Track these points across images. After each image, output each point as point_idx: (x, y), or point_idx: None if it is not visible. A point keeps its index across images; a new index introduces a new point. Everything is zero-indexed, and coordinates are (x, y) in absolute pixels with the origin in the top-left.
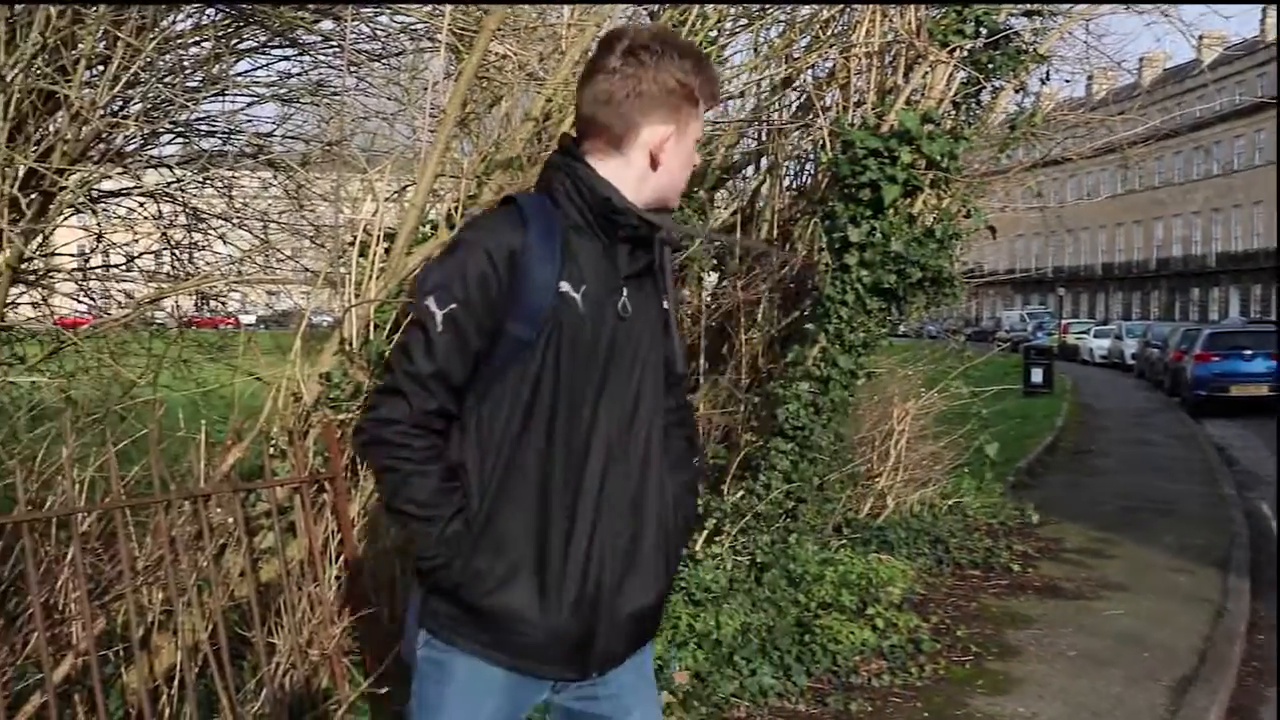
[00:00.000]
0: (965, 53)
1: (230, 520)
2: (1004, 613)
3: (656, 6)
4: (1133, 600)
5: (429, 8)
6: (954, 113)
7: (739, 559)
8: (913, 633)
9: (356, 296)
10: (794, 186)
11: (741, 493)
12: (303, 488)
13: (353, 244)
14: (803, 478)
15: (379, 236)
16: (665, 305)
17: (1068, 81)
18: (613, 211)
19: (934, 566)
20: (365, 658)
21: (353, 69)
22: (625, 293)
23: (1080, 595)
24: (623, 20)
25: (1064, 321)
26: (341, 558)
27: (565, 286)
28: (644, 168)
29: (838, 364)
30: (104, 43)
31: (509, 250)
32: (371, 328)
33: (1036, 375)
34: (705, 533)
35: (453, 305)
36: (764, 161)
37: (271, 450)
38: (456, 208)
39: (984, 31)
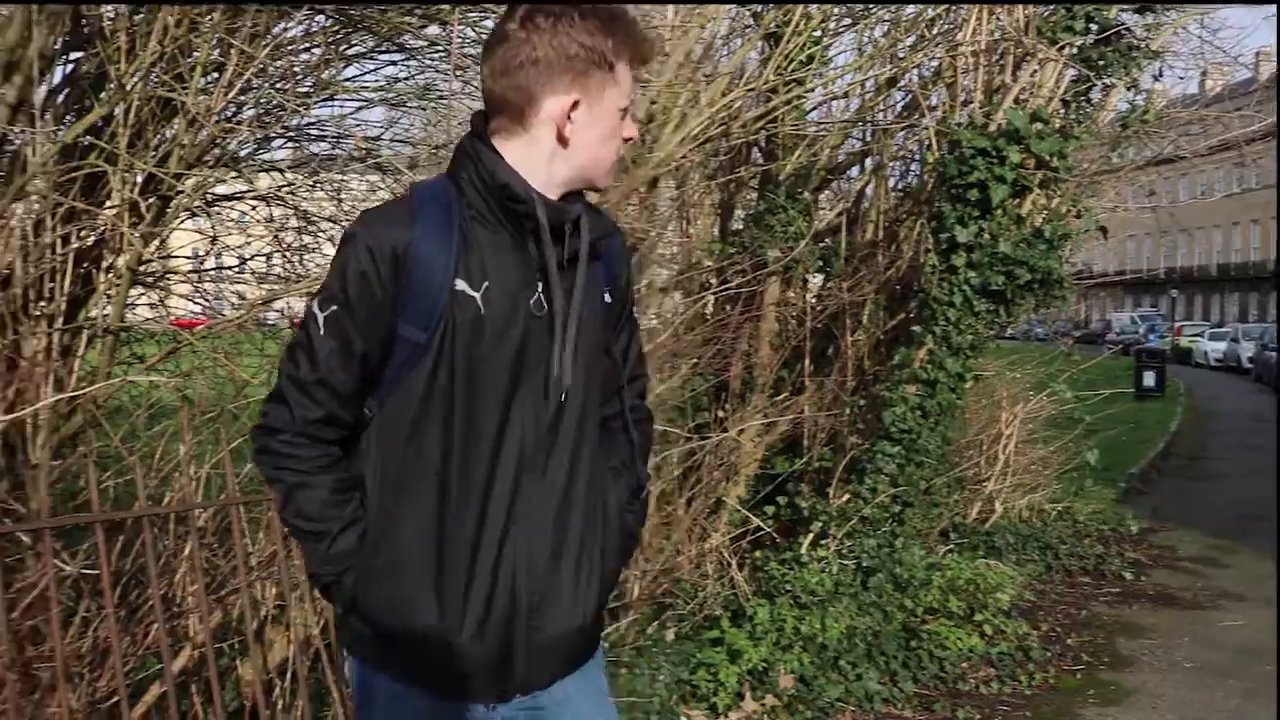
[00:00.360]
0: (1075, 50)
1: None
2: (1116, 621)
3: (760, 7)
4: (1250, 611)
5: None
6: (1063, 111)
7: (844, 562)
8: (1022, 640)
9: None
10: (899, 187)
11: (847, 496)
12: None
13: None
14: (909, 481)
15: None
16: (607, 299)
17: (1181, 78)
18: (511, 199)
19: (1043, 573)
20: None
21: (458, 73)
22: (540, 288)
23: (1196, 605)
24: (726, 22)
25: (1177, 324)
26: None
27: (460, 284)
28: (552, 145)
29: (945, 366)
30: (218, 50)
31: (391, 246)
32: None
33: (1148, 379)
34: (811, 536)
35: (333, 307)
36: (869, 162)
37: None
38: None
39: (1094, 28)
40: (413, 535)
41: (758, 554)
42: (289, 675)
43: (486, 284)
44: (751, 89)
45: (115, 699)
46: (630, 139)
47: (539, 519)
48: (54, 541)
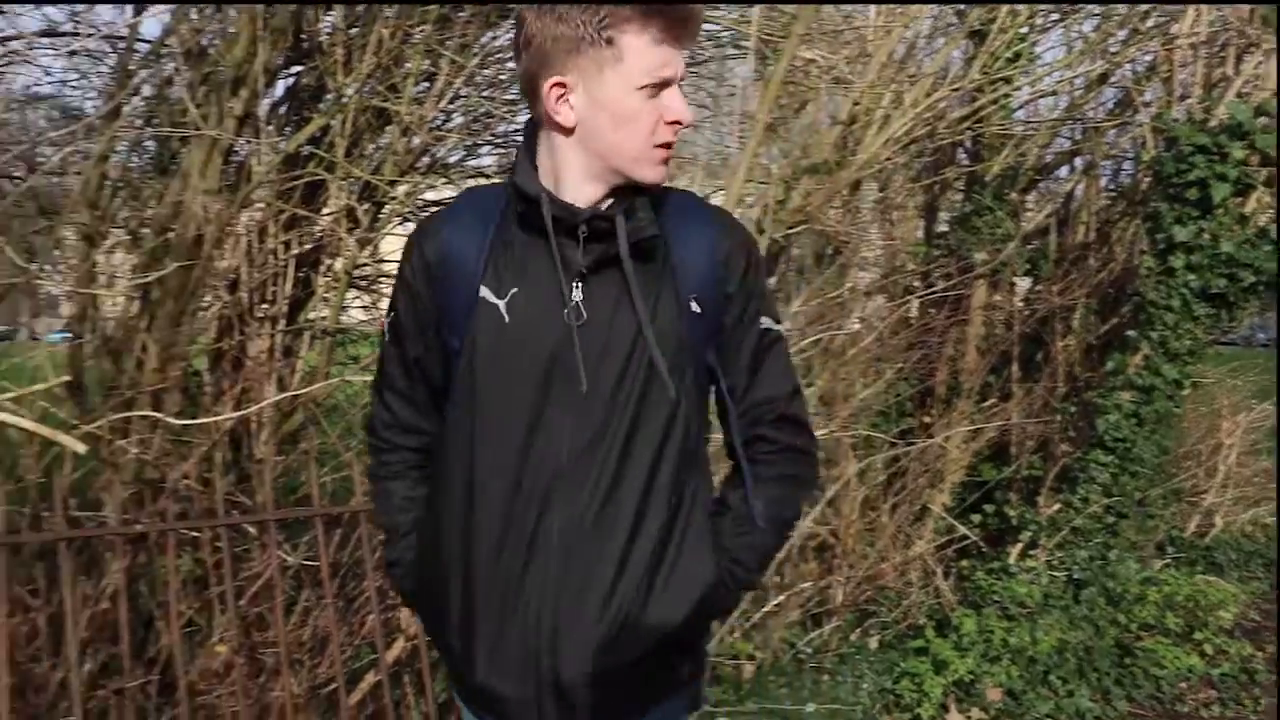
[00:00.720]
0: None
1: None
2: None
3: (965, 6)
4: None
5: (736, 14)
6: None
7: (1055, 574)
8: (1246, 662)
9: None
10: (1111, 187)
11: (1058, 506)
12: None
13: None
14: (1123, 492)
15: None
16: (694, 308)
17: None
18: (522, 198)
19: (1268, 591)
20: None
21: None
22: (580, 291)
23: None
24: (929, 21)
25: None
26: None
27: (485, 292)
28: (560, 135)
29: (1161, 373)
30: (428, 60)
31: (425, 252)
32: None
33: None
34: (1019, 546)
35: (392, 314)
36: (1079, 161)
37: None
38: (765, 214)
39: None
40: (445, 551)
41: (963, 563)
42: None
43: (515, 290)
44: (956, 88)
45: (333, 686)
46: (677, 123)
47: (564, 549)
48: (277, 534)
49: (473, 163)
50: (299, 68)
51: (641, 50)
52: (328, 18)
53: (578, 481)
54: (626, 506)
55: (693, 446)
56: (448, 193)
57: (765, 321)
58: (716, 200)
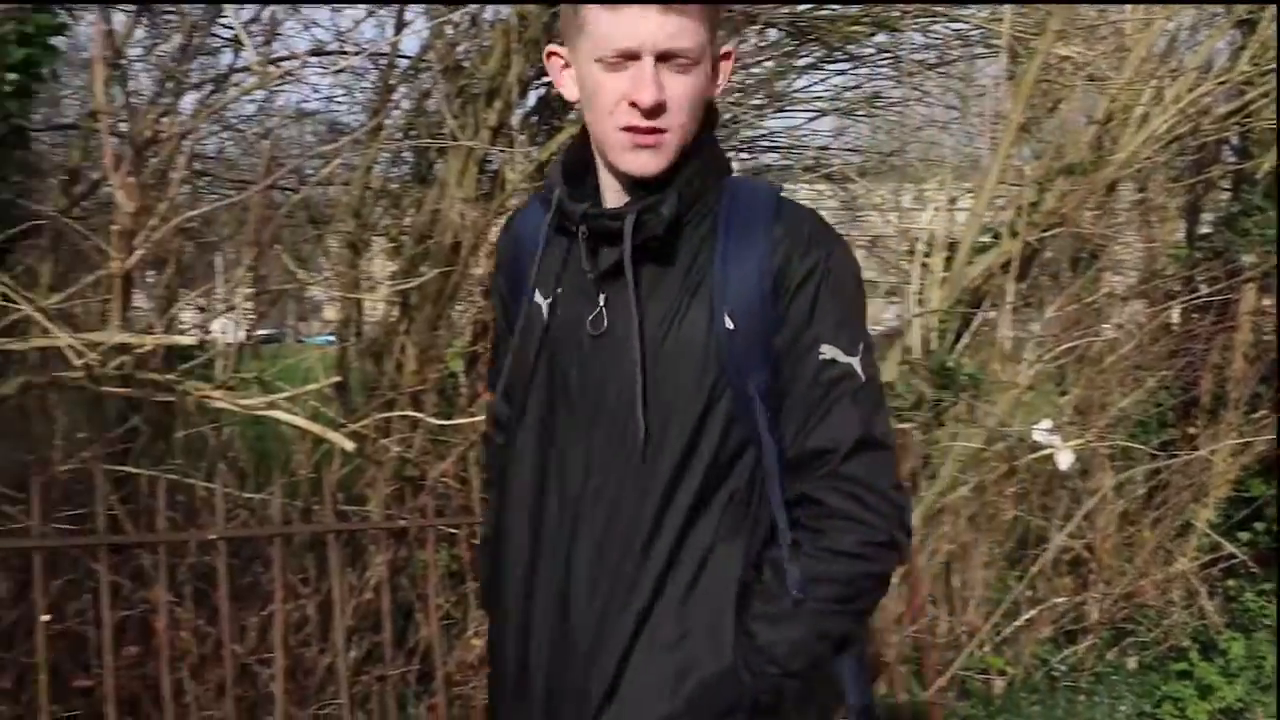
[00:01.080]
0: None
1: None
2: None
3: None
4: None
5: (987, 13)
6: None
7: None
8: None
9: (919, 306)
10: None
11: None
12: None
13: (912, 253)
14: None
15: (939, 245)
16: (728, 324)
17: None
18: (549, 193)
19: None
20: (921, 667)
21: (909, 78)
22: (603, 300)
23: None
24: (1191, 12)
25: None
26: (902, 566)
27: (536, 294)
28: (584, 122)
29: None
30: None
31: (500, 249)
32: (934, 337)
33: None
34: None
35: (493, 314)
36: None
37: None
38: (1019, 216)
39: None
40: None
41: (1230, 583)
42: None
43: (559, 290)
44: (1223, 82)
45: None
46: (635, 104)
47: (558, 608)
48: None
49: None
50: (549, 79)
51: (599, 17)
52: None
53: (583, 529)
54: (630, 545)
55: (714, 497)
56: None
57: (827, 350)
58: (969, 202)
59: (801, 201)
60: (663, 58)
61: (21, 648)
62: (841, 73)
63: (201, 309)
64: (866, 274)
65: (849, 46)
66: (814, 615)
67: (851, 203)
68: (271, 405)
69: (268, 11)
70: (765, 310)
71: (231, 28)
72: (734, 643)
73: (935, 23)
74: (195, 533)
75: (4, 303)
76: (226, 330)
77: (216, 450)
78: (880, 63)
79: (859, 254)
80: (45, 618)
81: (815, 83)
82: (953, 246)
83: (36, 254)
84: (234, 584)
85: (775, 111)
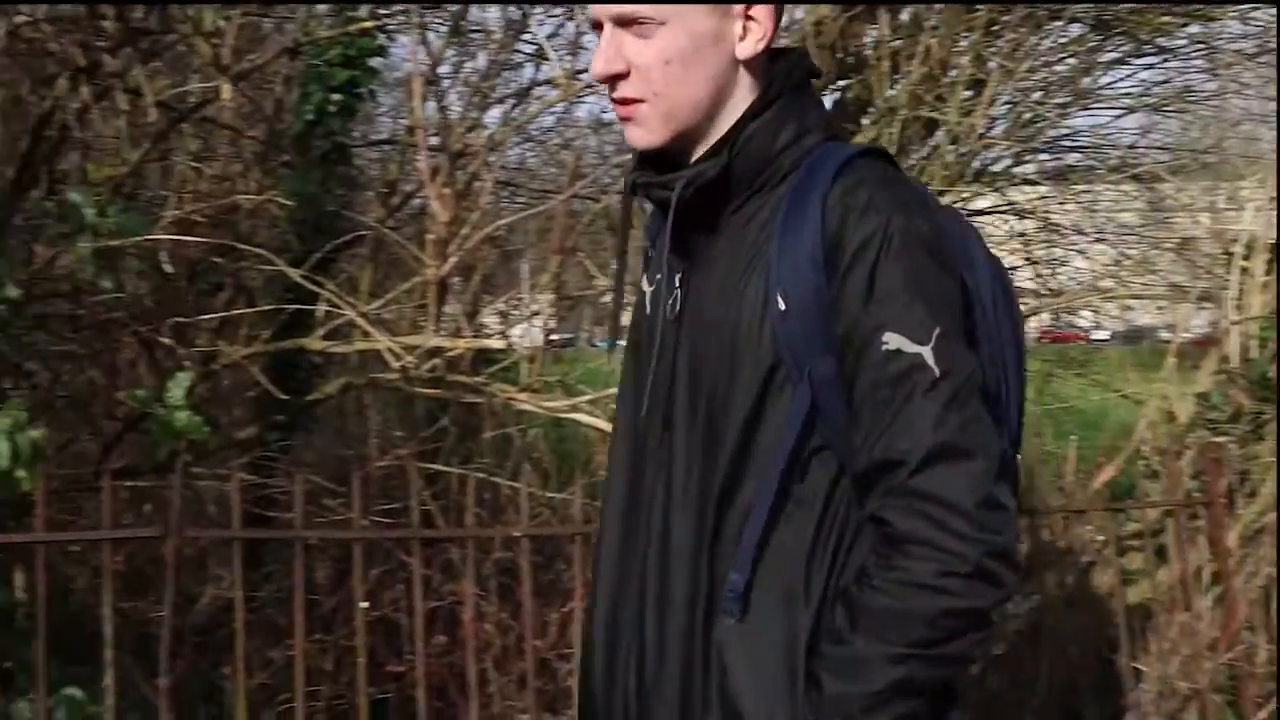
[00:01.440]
0: None
1: (1101, 538)
2: None
3: None
4: None
5: None
6: None
7: None
8: None
9: (1237, 312)
10: None
11: None
12: (1176, 511)
13: (1229, 256)
14: None
15: (1260, 248)
16: (780, 305)
17: None
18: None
19: None
20: (1238, 698)
21: (1225, 70)
22: (687, 282)
23: None
24: None
25: None
26: (1217, 588)
27: (643, 280)
28: None
29: None
30: (975, 67)
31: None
32: (1254, 345)
33: None
34: None
35: None
36: None
37: (1143, 470)
38: None
39: None
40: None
41: None
42: None
43: (659, 277)
44: None
45: None
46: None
47: (608, 638)
48: None
49: (1018, 170)
50: (844, 81)
51: None
52: (872, 31)
53: (633, 525)
54: (667, 559)
55: (780, 508)
56: (990, 200)
57: (891, 339)
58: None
59: (1106, 203)
60: (622, 24)
61: (340, 632)
62: (1150, 67)
63: (503, 314)
64: (1175, 278)
65: (1158, 39)
66: (888, 662)
67: (1160, 203)
68: (574, 408)
69: (570, 26)
70: (819, 287)
71: (535, 43)
72: (804, 693)
73: (1256, 9)
74: (501, 529)
75: (329, 308)
76: (525, 334)
77: (521, 450)
78: (1193, 55)
79: (1166, 257)
80: (364, 605)
81: (1122, 78)
82: (1274, 248)
83: (357, 262)
84: (536, 580)
85: (1080, 109)
